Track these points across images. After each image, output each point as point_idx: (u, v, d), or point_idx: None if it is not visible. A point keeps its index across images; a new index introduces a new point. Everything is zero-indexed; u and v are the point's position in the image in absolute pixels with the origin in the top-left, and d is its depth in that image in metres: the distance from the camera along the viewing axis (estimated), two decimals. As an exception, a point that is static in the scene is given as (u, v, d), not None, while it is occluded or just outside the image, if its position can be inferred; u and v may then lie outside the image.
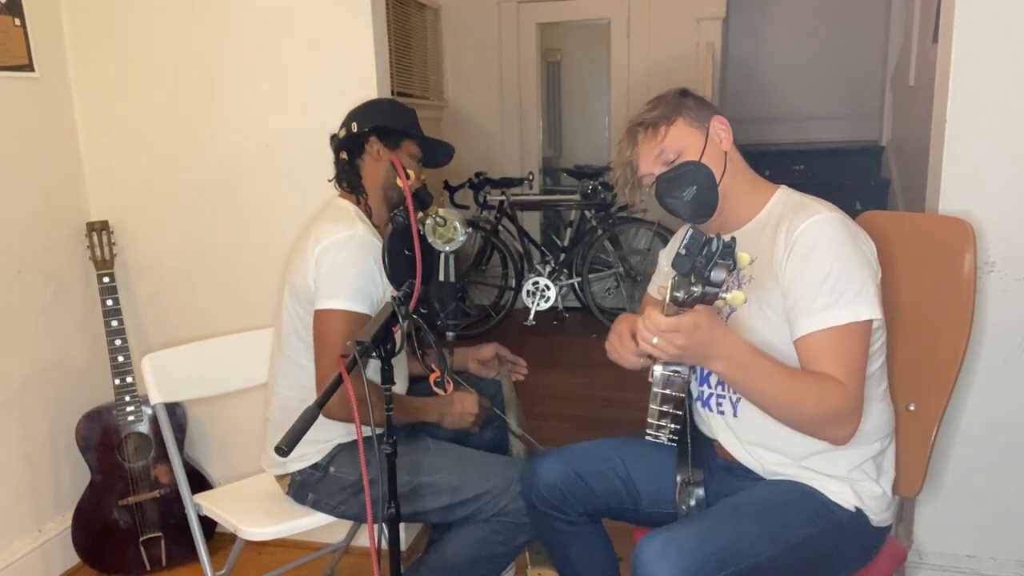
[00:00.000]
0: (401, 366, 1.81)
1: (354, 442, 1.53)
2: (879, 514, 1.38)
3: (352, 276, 1.59)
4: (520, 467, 1.63)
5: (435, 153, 1.83)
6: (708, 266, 1.04)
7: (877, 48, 4.93)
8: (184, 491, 1.82)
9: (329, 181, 1.80)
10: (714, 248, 1.04)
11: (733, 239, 1.06)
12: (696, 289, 1.06)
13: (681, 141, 1.39)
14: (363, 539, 2.22)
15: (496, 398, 1.91)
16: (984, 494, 1.84)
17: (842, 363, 1.25)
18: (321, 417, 1.65)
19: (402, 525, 1.77)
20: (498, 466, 1.68)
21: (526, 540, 1.67)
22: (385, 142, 1.73)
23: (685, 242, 1.08)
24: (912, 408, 1.50)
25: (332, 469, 1.72)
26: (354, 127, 1.75)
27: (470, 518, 1.64)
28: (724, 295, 1.08)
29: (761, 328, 1.34)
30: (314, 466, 1.72)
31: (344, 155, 1.76)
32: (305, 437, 1.63)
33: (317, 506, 1.74)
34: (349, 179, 1.76)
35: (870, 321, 1.27)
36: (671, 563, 1.17)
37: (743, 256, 1.06)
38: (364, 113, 1.78)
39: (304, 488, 1.74)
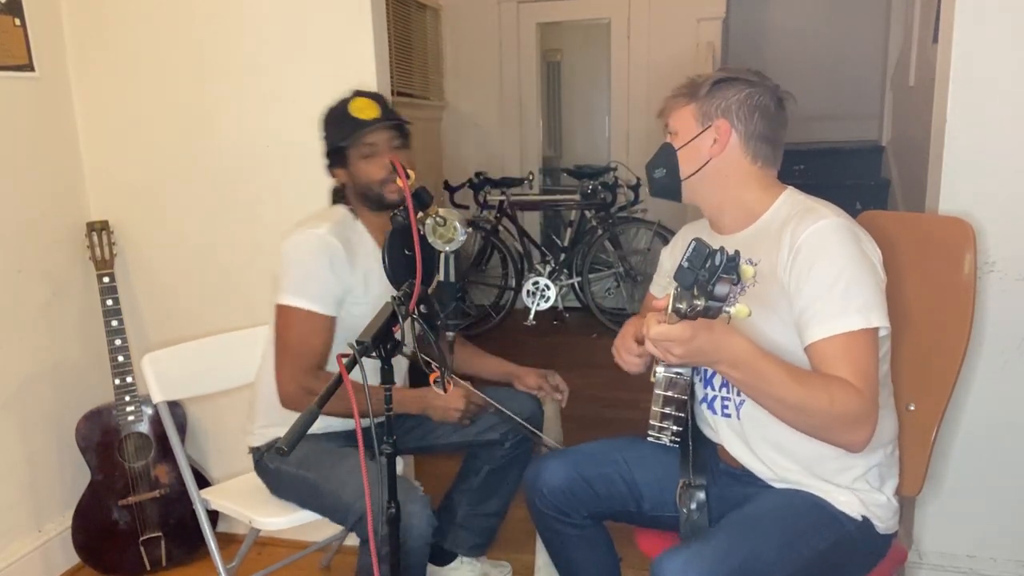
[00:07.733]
0: (398, 366, 1.80)
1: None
2: (885, 522, 1.37)
3: (309, 274, 1.67)
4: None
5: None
6: (711, 280, 1.00)
7: (877, 48, 4.93)
8: (191, 487, 1.83)
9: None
10: (717, 262, 1.00)
11: (737, 252, 1.02)
12: (699, 303, 1.02)
13: (680, 124, 1.44)
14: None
15: (535, 416, 1.88)
16: (984, 494, 1.84)
17: (855, 368, 1.23)
18: (268, 404, 1.71)
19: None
20: (357, 486, 1.59)
21: None
22: (336, 162, 1.76)
23: (688, 255, 1.04)
24: (912, 408, 1.50)
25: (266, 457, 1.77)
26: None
27: (356, 531, 1.64)
28: (728, 309, 1.04)
29: (769, 332, 1.33)
30: (255, 448, 1.81)
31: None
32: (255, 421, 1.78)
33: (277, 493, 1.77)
34: (334, 191, 1.86)
35: (879, 328, 1.26)
36: None
37: (747, 269, 1.03)
38: (324, 134, 1.79)
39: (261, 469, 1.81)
